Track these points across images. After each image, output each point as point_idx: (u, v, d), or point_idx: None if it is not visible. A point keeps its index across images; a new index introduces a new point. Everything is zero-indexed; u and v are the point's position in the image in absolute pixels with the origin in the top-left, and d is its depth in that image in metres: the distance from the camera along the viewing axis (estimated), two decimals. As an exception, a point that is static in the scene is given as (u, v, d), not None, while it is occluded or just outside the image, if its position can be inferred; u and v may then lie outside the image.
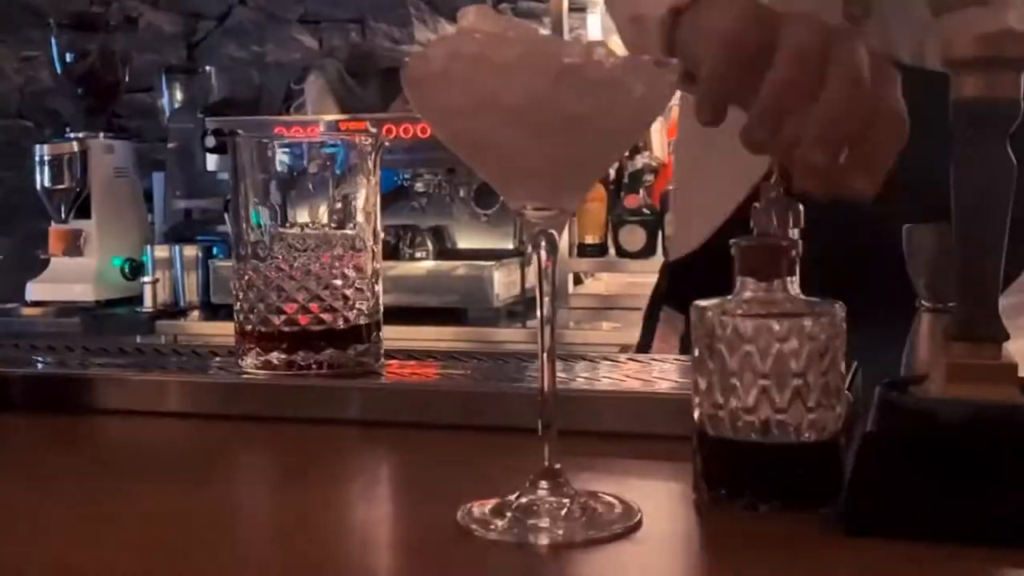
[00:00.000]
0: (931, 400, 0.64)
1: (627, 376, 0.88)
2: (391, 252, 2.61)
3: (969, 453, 0.61)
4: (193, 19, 3.36)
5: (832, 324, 0.58)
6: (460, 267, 2.52)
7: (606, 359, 0.96)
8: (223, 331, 2.59)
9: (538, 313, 0.63)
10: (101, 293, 2.74)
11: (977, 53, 0.62)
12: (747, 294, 0.59)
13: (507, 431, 0.77)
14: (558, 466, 0.61)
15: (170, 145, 2.90)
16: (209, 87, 3.07)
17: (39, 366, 1.05)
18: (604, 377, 0.88)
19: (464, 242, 2.78)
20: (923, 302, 0.79)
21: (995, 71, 0.62)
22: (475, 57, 0.56)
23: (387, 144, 2.48)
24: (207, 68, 3.16)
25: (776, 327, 0.57)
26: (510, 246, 2.69)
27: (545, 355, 0.61)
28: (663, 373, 0.88)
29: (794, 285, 0.59)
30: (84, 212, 2.78)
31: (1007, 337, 0.63)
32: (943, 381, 0.65)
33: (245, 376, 0.93)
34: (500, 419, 0.81)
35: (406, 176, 2.67)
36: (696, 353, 0.60)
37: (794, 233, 0.60)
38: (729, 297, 0.60)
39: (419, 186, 2.67)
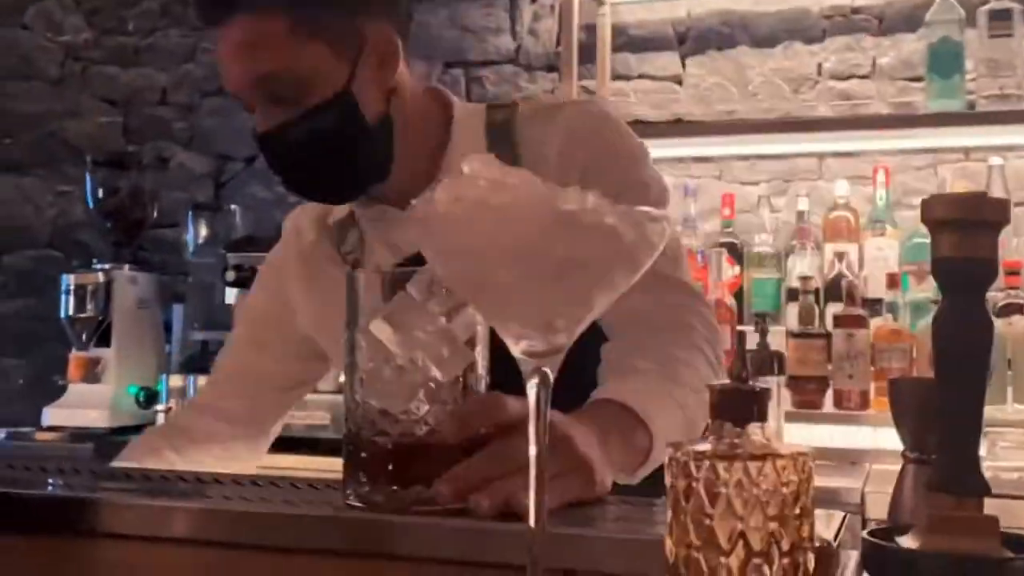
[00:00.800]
0: (914, 552, 0.64)
1: (619, 518, 0.87)
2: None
3: (952, 605, 0.60)
4: (222, 160, 3.43)
5: (804, 470, 0.58)
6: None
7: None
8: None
9: (531, 449, 0.63)
10: (115, 420, 2.74)
11: (956, 215, 0.64)
12: (721, 437, 0.59)
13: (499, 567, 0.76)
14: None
15: (191, 279, 2.94)
16: (233, 225, 3.13)
17: (48, 488, 1.05)
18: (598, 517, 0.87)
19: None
20: (907, 452, 0.79)
21: (973, 233, 0.64)
22: (476, 201, 0.58)
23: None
24: (232, 207, 3.21)
25: (752, 470, 0.57)
26: None
27: (534, 488, 0.61)
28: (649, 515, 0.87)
29: (765, 430, 0.59)
30: (104, 340, 2.80)
31: (989, 491, 0.63)
32: (928, 532, 0.65)
33: (250, 505, 0.93)
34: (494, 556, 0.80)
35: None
36: (671, 495, 0.60)
37: (768, 382, 0.60)
38: (705, 441, 0.60)
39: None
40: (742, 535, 0.57)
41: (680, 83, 3.03)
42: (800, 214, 2.73)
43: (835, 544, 0.68)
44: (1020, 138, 2.65)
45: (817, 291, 2.54)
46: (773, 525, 0.58)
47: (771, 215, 2.83)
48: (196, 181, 3.41)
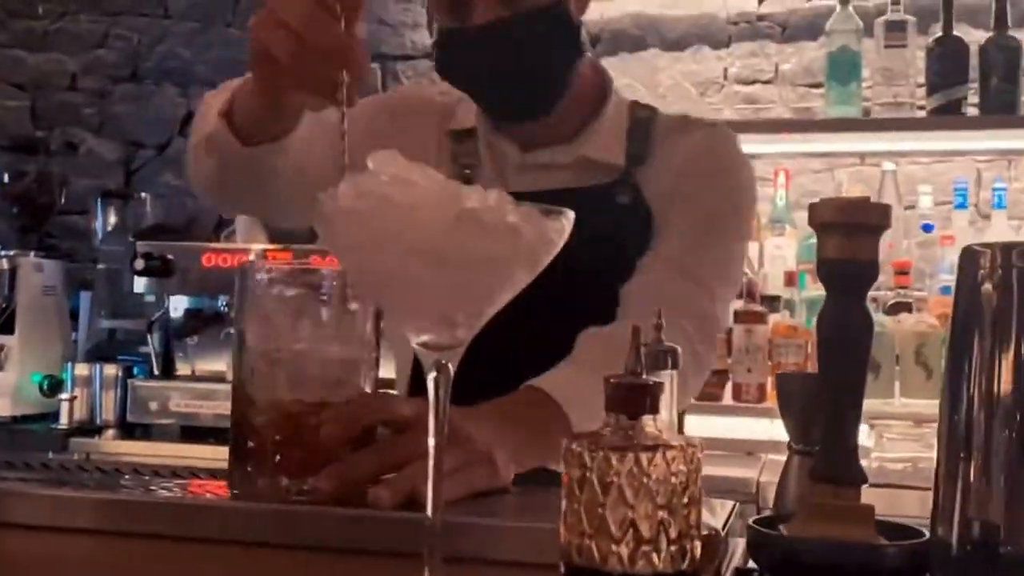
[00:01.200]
0: (796, 538, 0.66)
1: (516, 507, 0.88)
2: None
3: (829, 589, 0.62)
4: (133, 147, 3.38)
5: (692, 460, 0.60)
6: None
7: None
8: (137, 450, 2.54)
9: (431, 440, 0.64)
10: (17, 408, 2.68)
11: (839, 219, 0.66)
12: (615, 429, 0.60)
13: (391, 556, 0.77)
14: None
15: (99, 266, 2.88)
16: (143, 213, 3.07)
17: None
18: (495, 509, 0.88)
19: (385, 371, 2.77)
20: (792, 444, 0.81)
21: (855, 236, 0.66)
22: (381, 197, 0.58)
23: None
24: (142, 194, 3.16)
25: (643, 460, 0.58)
26: None
27: (432, 478, 0.61)
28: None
29: (657, 421, 0.60)
30: (7, 328, 2.73)
31: (866, 480, 0.65)
32: (808, 520, 0.67)
33: (155, 495, 0.92)
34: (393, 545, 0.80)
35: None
36: (565, 484, 0.61)
37: (662, 376, 0.61)
38: (600, 431, 0.61)
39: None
40: (632, 523, 0.59)
41: (591, 83, 3.06)
42: (704, 213, 2.77)
43: (723, 532, 0.70)
44: (912, 144, 2.73)
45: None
46: (662, 513, 0.59)
47: (676, 213, 2.87)
48: (106, 168, 3.35)
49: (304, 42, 0.88)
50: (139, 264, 2.62)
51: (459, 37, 1.23)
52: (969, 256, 0.73)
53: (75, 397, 2.64)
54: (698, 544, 0.60)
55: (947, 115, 2.53)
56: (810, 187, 2.87)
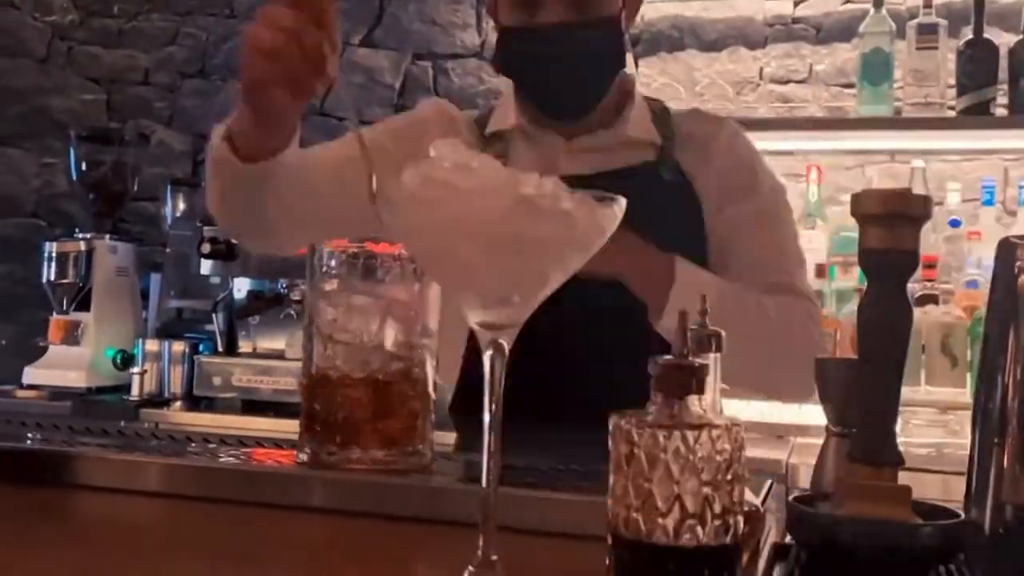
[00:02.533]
0: (836, 516, 0.65)
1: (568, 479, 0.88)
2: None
3: (867, 565, 0.61)
4: (200, 139, 3.38)
5: (736, 439, 0.59)
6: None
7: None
8: (202, 421, 2.56)
9: (485, 417, 0.63)
10: (93, 380, 2.71)
11: (882, 209, 0.64)
12: (661, 408, 0.59)
13: (448, 524, 0.76)
14: (495, 557, 0.61)
15: (168, 250, 2.90)
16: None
17: (27, 442, 1.03)
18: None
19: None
20: (831, 426, 0.80)
21: (897, 226, 0.64)
22: (443, 183, 0.58)
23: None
24: (209, 183, 3.18)
25: (689, 438, 0.57)
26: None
27: (489, 455, 0.61)
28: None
29: (703, 402, 0.59)
30: (84, 305, 2.76)
31: (903, 462, 0.64)
32: (846, 499, 0.66)
33: (218, 461, 0.92)
34: (447, 514, 0.80)
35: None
36: (613, 460, 0.60)
37: (707, 358, 0.60)
38: (647, 409, 0.60)
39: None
40: (678, 498, 0.58)
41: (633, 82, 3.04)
42: (739, 207, 2.75)
43: (762, 508, 0.69)
44: (941, 143, 2.68)
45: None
46: (707, 490, 0.58)
47: (712, 207, 2.85)
48: (175, 158, 3.37)
49: (291, 40, 0.97)
50: (205, 248, 2.64)
51: (526, 34, 1.28)
52: (1006, 248, 0.71)
53: (145, 371, 2.66)
54: (741, 519, 0.59)
55: (976, 115, 2.48)
56: (842, 183, 2.83)
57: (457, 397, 1.38)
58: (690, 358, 0.59)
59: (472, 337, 1.23)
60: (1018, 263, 0.70)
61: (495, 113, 1.45)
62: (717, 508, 0.59)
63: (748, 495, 0.64)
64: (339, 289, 0.90)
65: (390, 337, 0.90)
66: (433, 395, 0.93)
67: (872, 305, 0.63)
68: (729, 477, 0.58)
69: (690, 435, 0.58)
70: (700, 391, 0.58)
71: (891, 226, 0.63)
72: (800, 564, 0.63)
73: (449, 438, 1.19)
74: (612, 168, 1.33)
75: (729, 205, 1.37)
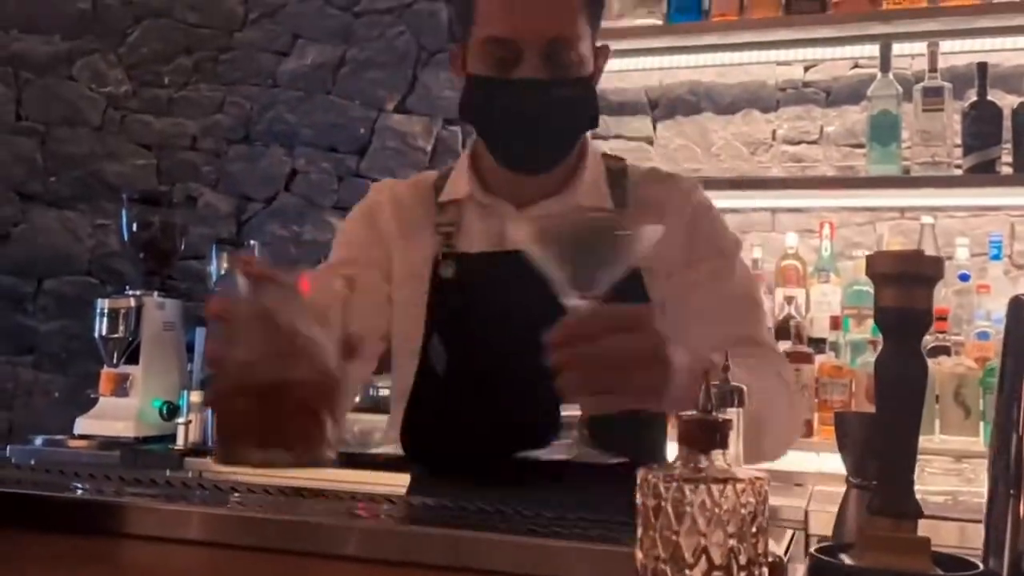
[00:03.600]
0: (856, 568, 0.63)
1: (598, 530, 0.86)
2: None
3: (889, 617, 0.60)
4: (244, 201, 3.42)
5: (760, 493, 0.58)
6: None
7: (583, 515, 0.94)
8: (246, 473, 2.55)
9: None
10: (140, 431, 2.71)
11: (896, 270, 0.64)
12: (687, 462, 0.59)
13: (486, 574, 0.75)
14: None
15: (213, 306, 2.92)
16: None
17: (79, 492, 1.03)
18: (578, 530, 0.87)
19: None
20: (851, 478, 0.78)
21: (911, 286, 0.64)
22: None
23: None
24: (251, 242, 3.20)
25: (715, 492, 0.57)
26: None
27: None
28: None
29: (726, 456, 0.59)
30: (133, 359, 2.77)
31: (922, 514, 0.63)
32: (867, 551, 0.64)
33: (257, 510, 0.92)
34: (481, 563, 0.79)
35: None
36: (641, 512, 0.59)
37: (729, 413, 0.60)
38: (674, 463, 0.59)
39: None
40: (705, 550, 0.57)
41: (651, 143, 3.05)
42: (755, 261, 2.73)
43: (785, 559, 0.68)
44: (949, 200, 2.67)
45: (771, 329, 2.54)
46: (732, 542, 0.57)
47: (729, 262, 2.84)
48: (220, 219, 3.40)
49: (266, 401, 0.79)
50: (247, 304, 2.65)
51: (499, 87, 1.22)
52: (1018, 305, 0.70)
53: (190, 421, 2.66)
54: (766, 571, 0.58)
55: (982, 173, 2.47)
56: (853, 239, 2.82)
57: (407, 417, 1.34)
58: (714, 413, 0.59)
59: (423, 360, 1.23)
60: (1029, 320, 0.69)
61: (449, 181, 1.38)
62: (743, 560, 0.58)
63: (772, 546, 0.63)
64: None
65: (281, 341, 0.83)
66: (341, 393, 0.86)
67: (888, 362, 0.63)
68: (754, 529, 0.57)
69: (715, 489, 0.57)
70: (724, 445, 0.58)
71: (905, 286, 0.63)
72: (823, 614, 0.62)
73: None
74: None
75: (689, 264, 1.31)
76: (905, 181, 2.55)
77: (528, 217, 1.30)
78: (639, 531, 0.59)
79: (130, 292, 2.84)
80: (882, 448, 0.63)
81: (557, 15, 1.23)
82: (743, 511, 0.57)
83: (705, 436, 0.58)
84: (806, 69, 2.91)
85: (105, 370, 2.79)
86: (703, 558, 0.57)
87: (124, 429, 2.68)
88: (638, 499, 0.59)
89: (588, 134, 1.38)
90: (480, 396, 1.24)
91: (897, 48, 2.59)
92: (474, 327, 1.27)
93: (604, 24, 2.68)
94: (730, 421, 0.59)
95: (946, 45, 2.57)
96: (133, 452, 2.62)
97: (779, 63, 2.90)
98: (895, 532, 0.62)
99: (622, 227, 1.08)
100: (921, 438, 2.43)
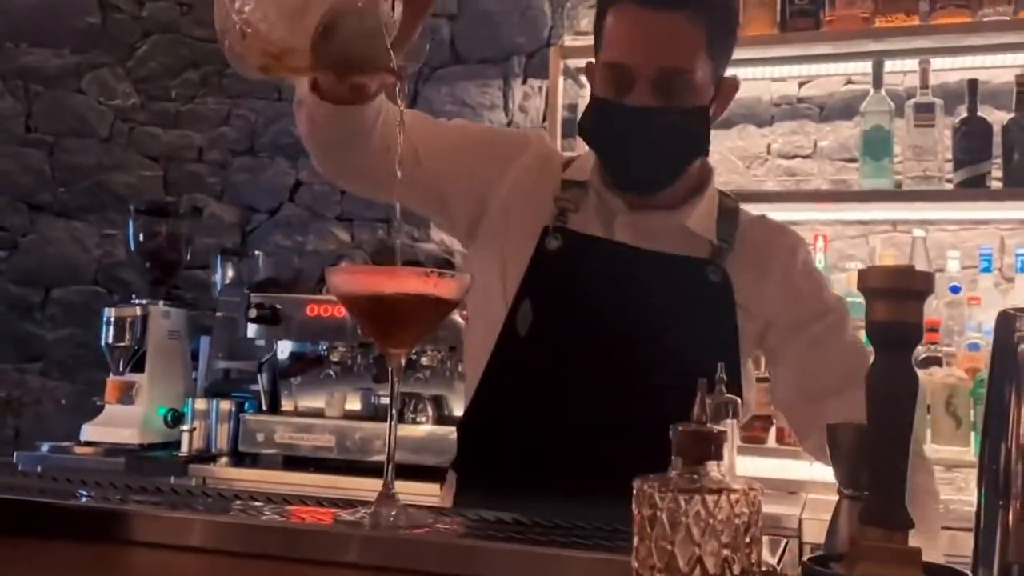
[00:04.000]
0: (848, 576, 0.63)
1: (594, 539, 0.86)
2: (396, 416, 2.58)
3: (880, 626, 0.59)
4: (248, 211, 3.43)
5: (754, 503, 0.58)
6: (454, 432, 2.48)
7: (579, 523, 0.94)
8: (246, 477, 2.55)
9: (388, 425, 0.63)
10: (145, 437, 2.71)
11: (887, 285, 0.64)
12: (682, 473, 0.59)
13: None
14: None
15: (218, 314, 2.92)
16: (256, 268, 3.11)
17: (83, 500, 1.03)
18: (575, 539, 0.86)
19: (459, 410, 2.75)
20: (842, 489, 0.78)
21: (902, 300, 0.64)
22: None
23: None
24: (256, 252, 3.20)
25: (709, 503, 0.56)
26: None
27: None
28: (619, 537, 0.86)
29: (721, 467, 0.59)
30: (139, 367, 2.77)
31: (913, 525, 0.62)
32: (859, 561, 0.64)
33: (260, 518, 0.92)
34: (480, 571, 0.79)
35: (413, 351, 2.66)
36: (637, 522, 0.59)
37: (724, 424, 0.60)
38: (668, 474, 0.59)
39: (424, 360, 2.66)
40: (699, 560, 0.57)
41: (648, 157, 3.05)
42: (750, 273, 2.74)
43: (779, 568, 0.68)
44: (940, 214, 2.67)
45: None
46: (726, 551, 0.57)
47: (725, 273, 2.83)
48: (225, 229, 3.40)
49: None
50: (252, 313, 2.66)
51: (617, 110, 1.25)
52: (1006, 319, 0.70)
53: (194, 428, 2.66)
54: (759, 580, 0.58)
55: (973, 188, 2.47)
56: (847, 251, 2.82)
57: (471, 409, 1.37)
58: (708, 425, 0.59)
59: (494, 357, 1.23)
60: (1017, 333, 0.69)
61: (576, 162, 1.41)
62: (736, 569, 0.58)
63: (765, 555, 0.63)
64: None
65: None
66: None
67: (879, 375, 0.63)
68: (747, 539, 0.57)
69: (710, 499, 0.57)
70: (719, 457, 0.58)
71: (896, 300, 0.62)
72: (816, 623, 0.62)
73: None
74: (661, 250, 1.30)
75: (796, 328, 1.33)
76: (897, 195, 2.55)
77: (633, 220, 1.32)
78: (635, 540, 0.59)
79: (136, 301, 2.85)
80: (873, 459, 0.63)
81: (673, 46, 1.24)
82: (737, 521, 0.57)
83: (700, 448, 0.58)
84: (800, 85, 2.92)
85: (111, 378, 2.79)
86: (697, 567, 0.57)
87: (129, 436, 2.68)
88: (634, 509, 0.59)
89: (712, 166, 1.40)
90: (559, 373, 1.25)
91: (889, 65, 2.60)
92: (567, 302, 1.29)
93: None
94: (724, 433, 0.58)
95: (937, 62, 2.57)
96: (138, 459, 2.62)
97: (774, 79, 2.91)
98: (886, 542, 0.62)
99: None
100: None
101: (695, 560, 0.57)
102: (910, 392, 0.62)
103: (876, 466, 0.63)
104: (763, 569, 0.60)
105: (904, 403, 0.62)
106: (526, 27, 3.19)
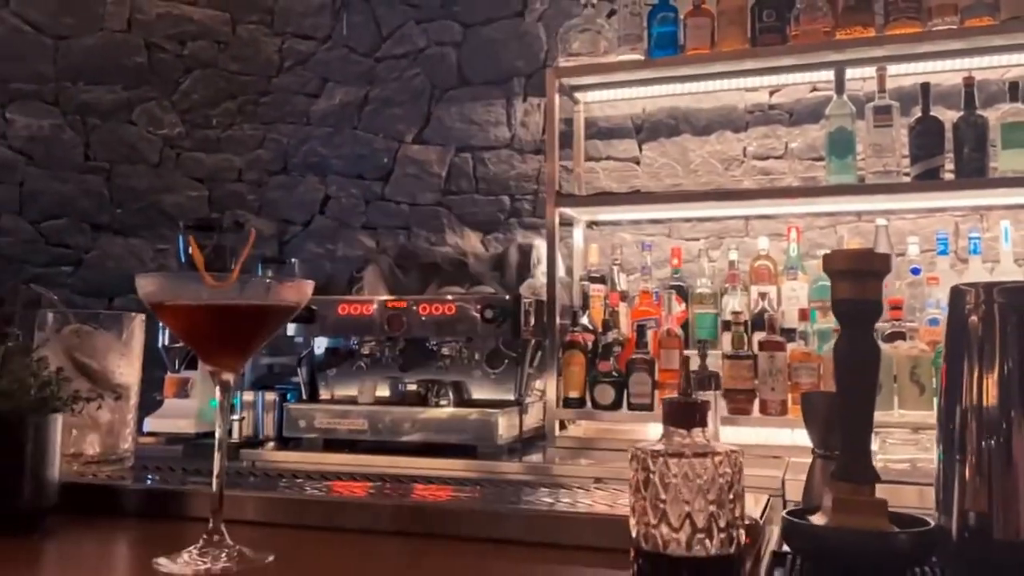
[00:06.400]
0: (822, 527, 0.63)
1: (594, 501, 0.87)
2: (420, 400, 2.59)
3: (852, 569, 0.60)
4: (284, 224, 3.44)
5: (736, 464, 0.58)
6: (473, 413, 2.50)
7: (580, 488, 0.95)
8: (290, 458, 2.55)
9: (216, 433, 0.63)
10: (200, 427, 2.71)
11: (849, 266, 0.64)
12: (671, 439, 0.59)
13: (502, 543, 0.76)
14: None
15: (261, 316, 2.92)
16: (293, 274, 3.12)
17: (148, 482, 1.04)
18: (579, 501, 0.87)
19: (477, 393, 2.76)
20: (816, 449, 0.78)
21: (863, 280, 0.64)
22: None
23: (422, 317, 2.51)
24: (292, 260, 3.21)
25: (696, 465, 0.57)
26: (511, 397, 2.66)
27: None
28: (617, 498, 0.87)
29: (706, 433, 0.59)
30: (192, 365, 2.78)
31: (879, 479, 0.63)
32: (833, 512, 0.64)
33: (305, 494, 0.92)
34: (497, 533, 0.79)
35: (434, 342, 2.68)
36: (632, 483, 0.59)
37: (707, 395, 0.60)
38: (659, 440, 0.60)
39: (445, 350, 2.67)
40: (688, 516, 0.57)
41: (638, 163, 3.05)
42: (731, 263, 2.74)
43: (762, 521, 0.68)
44: (900, 204, 2.66)
45: (745, 323, 2.53)
46: (713, 507, 0.58)
47: (709, 264, 2.83)
48: (264, 240, 3.41)
49: None
50: (290, 314, 2.66)
51: None
52: (957, 294, 0.70)
53: (243, 417, 2.67)
54: (743, 532, 0.59)
55: (928, 180, 2.46)
56: (817, 240, 2.82)
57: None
58: (694, 396, 0.59)
59: None
60: (967, 306, 0.69)
61: None
62: (722, 523, 0.58)
63: (748, 509, 0.63)
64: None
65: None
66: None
67: (845, 347, 0.63)
68: (731, 496, 0.57)
69: (697, 462, 0.57)
70: (703, 424, 0.58)
71: (857, 280, 0.63)
72: (796, 570, 0.62)
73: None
74: None
75: None
76: (860, 188, 2.55)
77: None
78: (631, 500, 0.59)
79: None
80: (841, 422, 0.63)
81: None
82: (721, 480, 0.57)
83: (686, 416, 0.58)
84: (771, 93, 2.92)
85: (168, 375, 2.79)
86: (687, 522, 0.57)
87: (186, 426, 2.68)
88: (630, 472, 0.59)
89: None
90: None
91: (850, 73, 2.59)
92: None
93: (593, 60, 2.70)
94: (708, 403, 0.59)
95: (893, 68, 2.56)
96: (194, 446, 2.63)
97: (747, 89, 2.90)
98: (856, 495, 0.62)
99: None
100: (883, 413, 2.44)
101: (685, 516, 0.57)
102: (872, 361, 0.63)
103: (844, 428, 0.64)
104: (746, 523, 0.61)
105: (868, 371, 0.62)
106: (524, 51, 3.20)
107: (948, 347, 0.69)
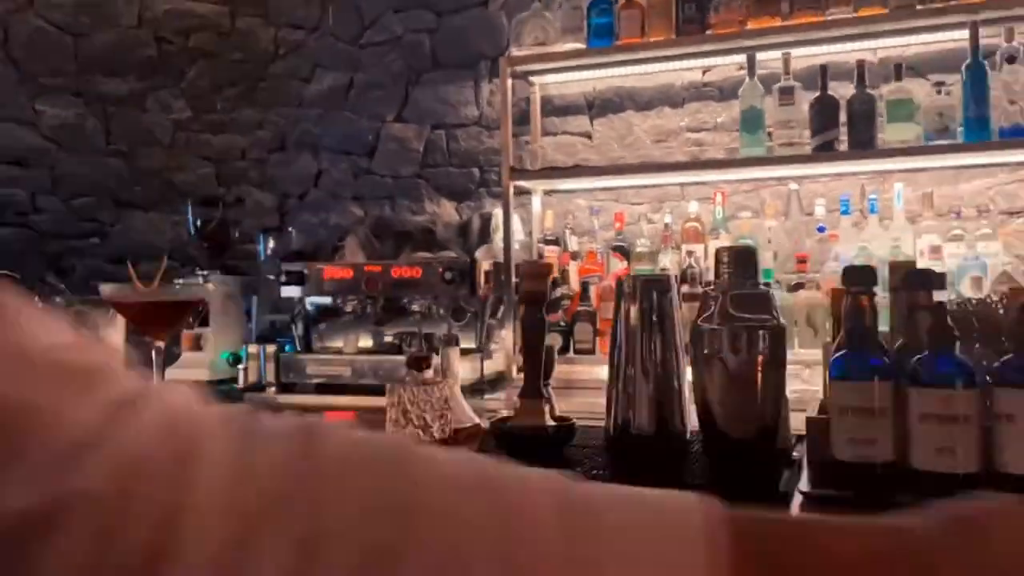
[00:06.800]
0: (509, 425, 1.06)
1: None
2: (396, 349, 3.00)
3: (524, 449, 1.03)
4: (283, 197, 3.81)
5: (445, 388, 1.01)
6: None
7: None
8: (289, 401, 2.95)
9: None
10: (213, 375, 3.06)
11: (532, 271, 1.06)
12: (414, 378, 1.01)
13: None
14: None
15: (264, 279, 3.33)
16: (290, 241, 3.51)
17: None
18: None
19: (448, 344, 3.15)
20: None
21: (537, 281, 1.07)
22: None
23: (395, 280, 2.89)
24: (290, 229, 3.58)
25: (424, 392, 1.00)
26: (473, 345, 3.04)
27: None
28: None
29: (433, 372, 1.01)
30: (205, 323, 3.13)
31: (542, 396, 1.05)
32: (515, 416, 1.08)
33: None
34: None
35: (406, 300, 3.07)
36: (390, 411, 1.02)
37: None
38: (406, 378, 1.02)
39: (415, 307, 3.06)
40: (425, 420, 1.00)
41: (589, 137, 3.36)
42: (666, 225, 3.09)
43: (482, 424, 1.11)
44: (804, 171, 2.99)
45: (676, 277, 2.90)
46: (440, 421, 1.01)
47: (648, 226, 3.19)
48: (265, 212, 3.73)
49: None
50: (283, 278, 3.07)
51: None
52: (620, 284, 1.12)
53: (247, 368, 3.06)
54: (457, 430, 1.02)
55: (825, 151, 2.81)
56: (742, 203, 3.16)
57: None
58: (424, 350, 1.02)
59: None
60: (627, 292, 1.11)
61: None
62: (448, 430, 1.01)
63: (472, 416, 1.06)
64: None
65: None
66: None
67: (527, 320, 1.05)
68: (440, 408, 1.00)
69: (426, 389, 1.00)
70: (429, 366, 1.01)
71: (534, 281, 1.04)
72: (491, 448, 1.05)
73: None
74: None
75: None
76: (770, 160, 2.88)
77: None
78: (392, 418, 1.03)
79: (199, 272, 3.23)
80: (524, 364, 1.06)
81: None
82: (435, 398, 1.00)
83: (417, 363, 1.00)
84: (703, 72, 3.24)
85: (185, 332, 3.15)
86: (423, 427, 1.00)
87: (200, 375, 3.03)
88: (388, 402, 1.02)
89: None
90: None
91: (760, 56, 2.92)
92: None
93: (541, 49, 3.05)
94: (430, 357, 1.01)
95: (796, 52, 2.89)
96: (208, 392, 3.04)
97: (684, 69, 3.23)
98: (535, 408, 1.05)
99: None
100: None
101: (424, 426, 1.00)
102: (540, 335, 1.05)
103: (525, 367, 1.06)
104: (470, 425, 1.04)
105: (538, 334, 1.05)
106: (488, 38, 3.54)
107: (616, 316, 1.11)
